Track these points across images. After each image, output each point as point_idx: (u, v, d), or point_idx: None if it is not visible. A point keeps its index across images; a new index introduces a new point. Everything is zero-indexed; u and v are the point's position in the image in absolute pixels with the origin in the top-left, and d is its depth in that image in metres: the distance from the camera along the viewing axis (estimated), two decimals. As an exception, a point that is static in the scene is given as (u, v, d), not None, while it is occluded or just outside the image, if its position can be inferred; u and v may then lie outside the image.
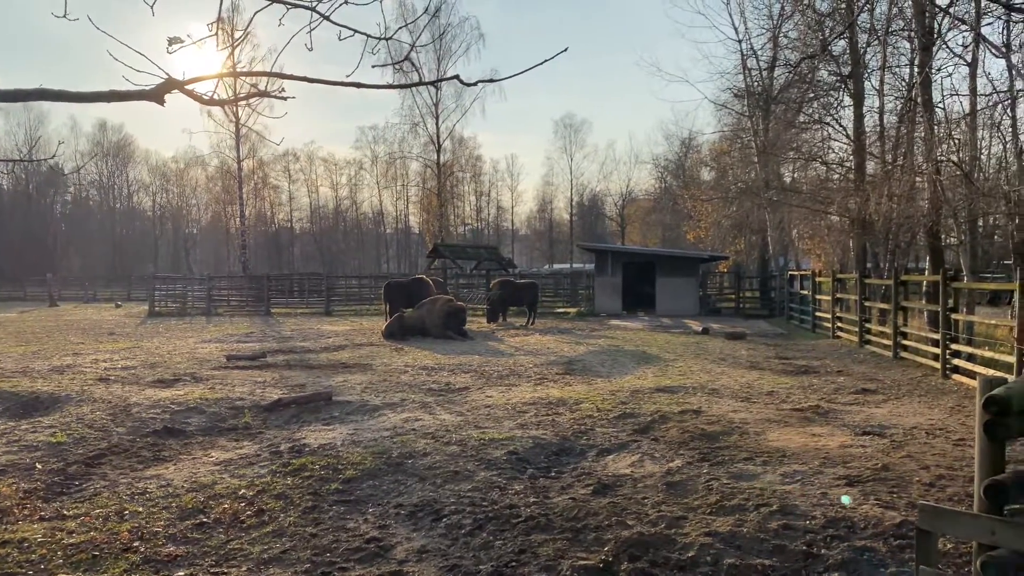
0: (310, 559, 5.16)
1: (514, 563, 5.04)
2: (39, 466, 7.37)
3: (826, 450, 7.63)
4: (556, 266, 62.20)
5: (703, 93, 78.87)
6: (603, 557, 5.08)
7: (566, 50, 2.99)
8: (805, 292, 25.14)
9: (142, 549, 5.32)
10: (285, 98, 2.81)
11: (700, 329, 22.59)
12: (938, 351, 13.71)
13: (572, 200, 78.15)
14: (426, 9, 31.61)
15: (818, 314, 23.12)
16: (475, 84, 3.04)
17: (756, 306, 32.36)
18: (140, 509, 6.11)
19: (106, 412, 9.61)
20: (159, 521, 5.83)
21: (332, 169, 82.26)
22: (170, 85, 2.56)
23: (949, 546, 5.01)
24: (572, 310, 31.25)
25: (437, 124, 45.56)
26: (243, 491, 6.49)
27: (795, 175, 30.43)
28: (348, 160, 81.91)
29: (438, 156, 46.93)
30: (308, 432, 8.68)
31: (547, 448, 7.94)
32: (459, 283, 33.90)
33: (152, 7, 2.59)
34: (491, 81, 3.01)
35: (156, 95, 2.56)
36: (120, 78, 2.60)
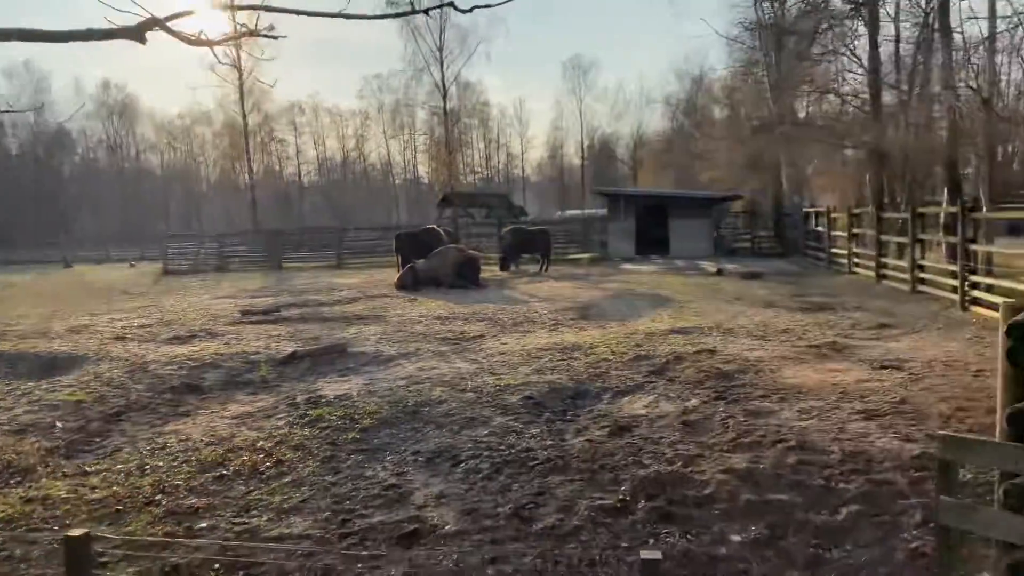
0: (330, 507, 5.20)
1: (532, 505, 5.06)
2: (60, 424, 7.45)
3: (843, 385, 7.59)
4: (569, 212, 61.73)
5: (714, 28, 76.86)
6: (620, 496, 5.09)
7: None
8: (821, 229, 24.84)
9: (164, 502, 5.38)
10: (275, 37, 2.72)
11: (715, 270, 22.44)
12: (956, 283, 13.54)
13: (583, 144, 77.10)
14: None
15: (834, 251, 22.86)
16: (470, 10, 2.91)
17: (772, 245, 32.02)
18: (161, 464, 6.18)
19: (124, 370, 9.67)
20: (180, 475, 5.89)
21: (338, 121, 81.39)
22: (152, 23, 2.48)
23: (968, 476, 4.98)
24: (586, 256, 31.06)
25: (442, 69, 44.47)
26: (261, 443, 6.53)
27: (809, 110, 29.78)
28: (353, 111, 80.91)
29: (444, 103, 45.88)
30: (324, 383, 8.72)
31: (563, 392, 7.94)
32: (471, 232, 33.74)
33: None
34: (487, 6, 2.86)
35: (137, 33, 2.48)
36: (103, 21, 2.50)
